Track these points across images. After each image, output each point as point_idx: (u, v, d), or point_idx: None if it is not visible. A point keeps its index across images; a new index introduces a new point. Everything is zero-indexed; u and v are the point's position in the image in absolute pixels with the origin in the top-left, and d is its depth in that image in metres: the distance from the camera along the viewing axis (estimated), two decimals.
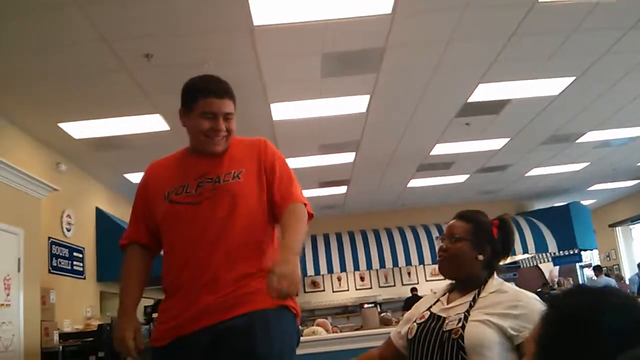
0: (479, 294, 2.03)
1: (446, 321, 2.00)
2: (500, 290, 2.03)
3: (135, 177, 8.31)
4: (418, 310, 2.21)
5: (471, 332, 1.91)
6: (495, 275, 2.11)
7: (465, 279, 2.10)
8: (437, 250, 2.23)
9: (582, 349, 0.87)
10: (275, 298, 1.87)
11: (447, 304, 2.10)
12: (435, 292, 2.27)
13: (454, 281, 2.19)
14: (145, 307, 7.51)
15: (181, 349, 2.03)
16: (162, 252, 2.28)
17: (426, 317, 2.09)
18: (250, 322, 2.00)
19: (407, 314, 2.29)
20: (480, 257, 2.09)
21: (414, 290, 13.40)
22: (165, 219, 2.19)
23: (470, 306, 2.00)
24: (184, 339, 2.03)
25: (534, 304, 1.93)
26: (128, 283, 2.23)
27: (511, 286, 2.08)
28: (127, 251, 2.28)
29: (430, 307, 2.15)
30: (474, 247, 2.10)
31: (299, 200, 2.20)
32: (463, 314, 1.98)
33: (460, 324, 1.95)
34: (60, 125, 6.24)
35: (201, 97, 2.17)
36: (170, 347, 2.05)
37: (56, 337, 6.02)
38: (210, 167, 2.20)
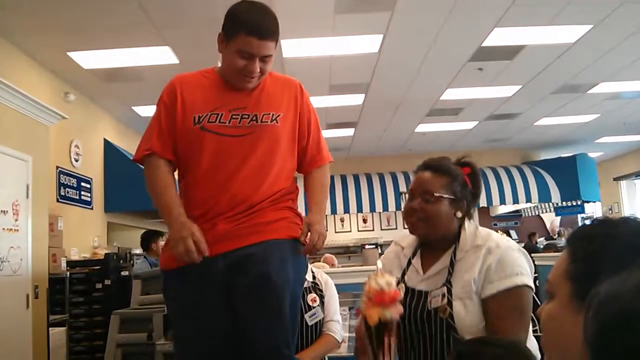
0: (454, 255, 1.84)
1: (429, 297, 1.80)
2: (474, 246, 1.83)
3: (143, 110, 8.28)
4: (386, 270, 1.92)
5: (460, 312, 1.74)
6: (466, 224, 1.90)
7: (441, 238, 1.89)
8: (403, 207, 1.95)
9: (613, 263, 0.85)
10: (309, 252, 2.09)
11: (423, 271, 1.89)
12: (402, 248, 2.02)
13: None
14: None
15: (197, 271, 2.02)
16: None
17: (402, 291, 1.83)
18: (266, 250, 2.04)
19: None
20: (459, 214, 1.88)
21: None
22: (193, 145, 2.11)
23: (449, 273, 1.81)
24: (200, 262, 2.00)
25: (506, 255, 1.78)
26: (170, 195, 2.08)
27: (485, 235, 1.87)
28: (155, 164, 2.12)
29: (404, 273, 1.93)
30: (452, 203, 1.86)
31: (327, 160, 2.31)
32: (445, 287, 1.79)
33: (445, 300, 1.76)
34: (70, 54, 6.18)
35: (241, 34, 2.01)
36: (185, 269, 2.04)
37: (64, 264, 6.14)
38: (246, 102, 2.12)
